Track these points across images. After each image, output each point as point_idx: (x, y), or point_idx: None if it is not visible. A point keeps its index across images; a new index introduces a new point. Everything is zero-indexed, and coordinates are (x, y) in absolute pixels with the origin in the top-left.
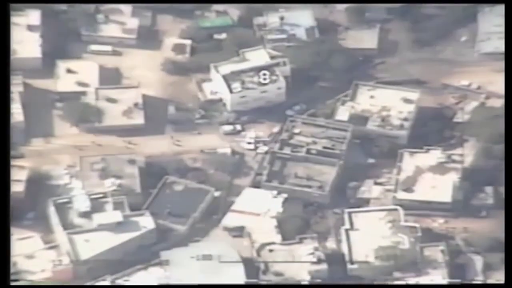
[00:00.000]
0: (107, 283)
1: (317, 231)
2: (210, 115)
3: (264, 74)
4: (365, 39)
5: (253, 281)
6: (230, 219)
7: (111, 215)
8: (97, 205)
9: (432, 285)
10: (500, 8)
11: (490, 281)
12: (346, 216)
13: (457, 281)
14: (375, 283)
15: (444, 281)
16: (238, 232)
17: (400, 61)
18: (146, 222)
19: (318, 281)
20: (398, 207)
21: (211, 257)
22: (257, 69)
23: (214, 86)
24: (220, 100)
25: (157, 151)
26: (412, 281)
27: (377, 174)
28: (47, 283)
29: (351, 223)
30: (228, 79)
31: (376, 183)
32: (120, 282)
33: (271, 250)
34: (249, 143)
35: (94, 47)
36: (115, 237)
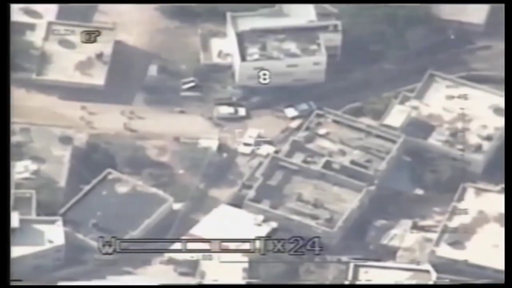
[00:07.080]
0: None
1: (306, 285)
2: (207, 86)
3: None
4: (469, 8)
5: None
6: (183, 248)
7: None
8: None
9: (432, 285)
10: None
11: None
12: (351, 269)
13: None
14: (373, 283)
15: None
16: (189, 268)
17: None
18: (55, 234)
19: None
20: (430, 269)
21: None
22: (291, 31)
23: (227, 45)
24: (229, 67)
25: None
26: None
27: (423, 213)
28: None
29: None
30: (244, 38)
31: (415, 227)
32: None
33: None
34: (247, 144)
35: None
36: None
